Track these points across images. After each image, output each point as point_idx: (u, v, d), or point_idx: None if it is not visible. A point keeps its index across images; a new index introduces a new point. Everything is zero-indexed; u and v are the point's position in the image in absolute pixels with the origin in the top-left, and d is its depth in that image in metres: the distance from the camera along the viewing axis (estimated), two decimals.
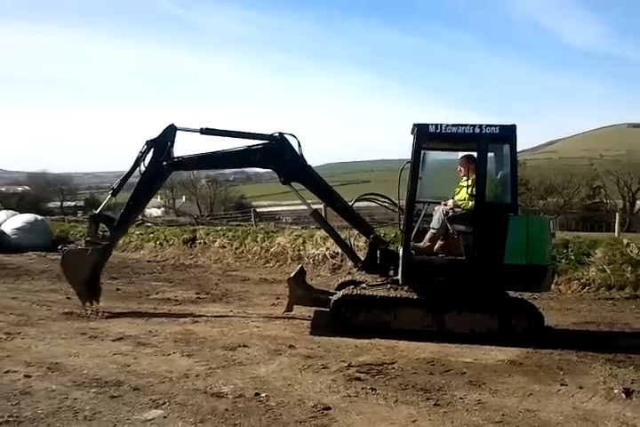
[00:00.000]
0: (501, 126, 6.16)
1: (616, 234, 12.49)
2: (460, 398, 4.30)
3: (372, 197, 7.25)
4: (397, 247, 6.76)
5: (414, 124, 6.27)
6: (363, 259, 7.00)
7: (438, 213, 6.52)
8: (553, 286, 8.19)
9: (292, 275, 7.02)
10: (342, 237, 7.36)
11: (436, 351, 5.60)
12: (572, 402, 4.32)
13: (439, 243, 6.51)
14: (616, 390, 4.56)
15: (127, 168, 7.40)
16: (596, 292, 9.60)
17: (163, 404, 4.03)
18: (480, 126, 6.12)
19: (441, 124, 6.20)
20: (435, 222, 6.52)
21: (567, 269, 10.02)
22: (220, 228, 15.85)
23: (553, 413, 4.07)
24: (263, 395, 4.24)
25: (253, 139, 7.15)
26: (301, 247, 12.77)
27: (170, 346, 5.62)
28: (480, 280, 6.16)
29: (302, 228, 15.25)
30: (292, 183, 7.17)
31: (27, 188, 57.96)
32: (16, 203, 40.40)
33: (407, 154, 6.36)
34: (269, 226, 16.48)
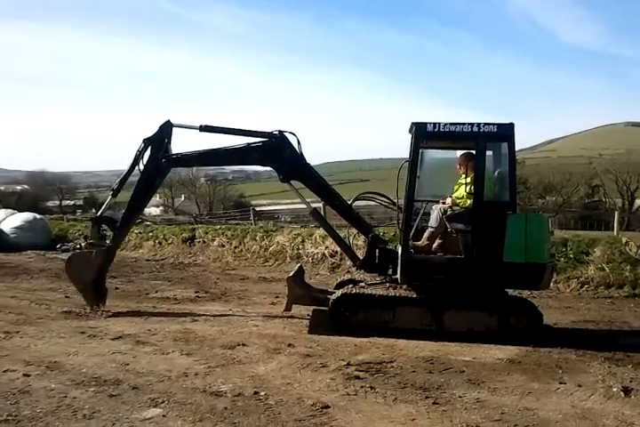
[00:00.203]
0: (499, 125, 6.16)
1: (615, 233, 12.48)
2: (459, 397, 4.31)
3: (370, 195, 7.24)
4: (396, 246, 6.76)
5: (412, 123, 6.26)
6: (361, 258, 7.00)
7: (436, 211, 6.51)
8: (552, 284, 8.20)
9: (290, 274, 7.02)
10: (341, 235, 7.36)
11: (435, 350, 5.61)
12: (570, 400, 4.33)
13: (438, 241, 6.51)
14: (615, 389, 4.56)
15: (126, 167, 7.39)
16: (594, 290, 9.61)
17: (162, 403, 4.03)
18: (478, 125, 6.12)
19: (439, 123, 6.19)
20: (433, 221, 6.52)
21: (566, 268, 10.03)
22: (219, 226, 15.86)
23: (552, 411, 4.08)
24: (262, 394, 4.25)
25: (253, 137, 7.13)
26: (300, 246, 12.78)
27: (169, 345, 5.62)
28: (479, 279, 6.16)
29: (301, 227, 15.26)
30: (292, 182, 7.16)
31: (26, 187, 57.93)
32: (15, 202, 40.42)
33: (405, 153, 6.36)
34: (268, 225, 16.47)
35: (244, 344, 5.66)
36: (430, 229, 6.52)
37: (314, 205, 7.47)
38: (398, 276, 6.33)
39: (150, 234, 15.64)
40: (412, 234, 6.49)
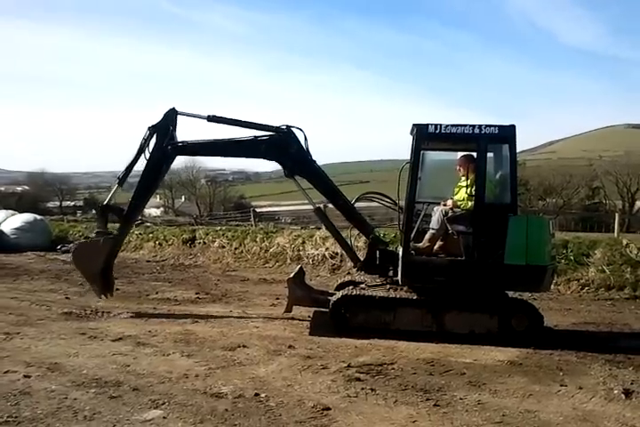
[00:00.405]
0: (501, 126, 6.16)
1: (615, 234, 12.49)
2: (460, 399, 4.30)
3: (373, 196, 7.24)
4: (397, 248, 6.76)
5: (413, 125, 6.26)
6: (362, 259, 7.00)
7: (438, 213, 6.51)
8: (552, 286, 8.20)
9: (291, 275, 7.01)
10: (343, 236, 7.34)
11: (436, 352, 5.60)
12: (571, 403, 4.32)
13: (439, 243, 6.50)
14: (616, 391, 4.55)
15: (131, 156, 7.30)
16: (595, 292, 9.60)
17: (162, 404, 4.02)
18: (479, 126, 6.12)
19: (440, 125, 6.19)
20: (434, 223, 6.51)
21: (567, 270, 10.02)
22: (219, 228, 15.86)
23: (553, 413, 4.07)
24: (263, 395, 4.24)
25: (260, 130, 7.10)
26: (301, 247, 12.78)
27: (169, 346, 5.62)
28: (480, 281, 6.15)
29: (302, 228, 15.28)
30: (297, 181, 7.15)
31: (26, 187, 57.94)
32: (15, 202, 40.39)
33: (406, 154, 6.36)
34: (269, 226, 16.48)
35: (244, 346, 5.66)
36: (431, 231, 6.52)
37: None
38: (399, 277, 6.33)
39: (151, 235, 15.63)
40: (412, 236, 6.49)
